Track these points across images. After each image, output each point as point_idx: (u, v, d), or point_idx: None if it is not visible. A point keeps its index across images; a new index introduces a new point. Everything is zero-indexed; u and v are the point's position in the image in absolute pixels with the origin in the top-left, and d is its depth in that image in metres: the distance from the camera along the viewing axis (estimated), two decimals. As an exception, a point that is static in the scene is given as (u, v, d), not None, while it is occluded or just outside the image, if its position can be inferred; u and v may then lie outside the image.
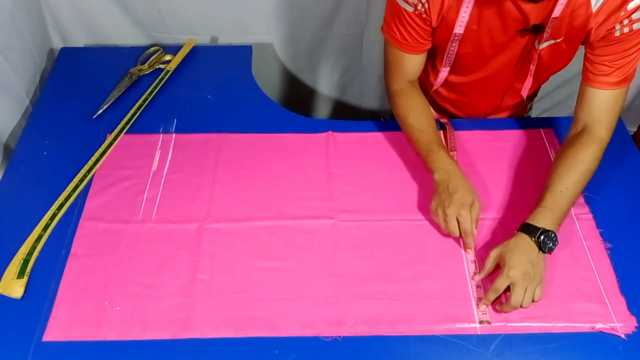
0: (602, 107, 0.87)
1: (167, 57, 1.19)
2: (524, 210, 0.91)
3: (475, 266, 0.85)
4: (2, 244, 0.88)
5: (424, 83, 1.10)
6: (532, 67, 0.92)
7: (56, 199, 0.93)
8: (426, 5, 0.85)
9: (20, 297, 0.81)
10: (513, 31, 0.86)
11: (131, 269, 0.85)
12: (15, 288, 0.81)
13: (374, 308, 0.81)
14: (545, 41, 0.87)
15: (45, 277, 0.84)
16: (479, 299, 0.81)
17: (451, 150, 1.00)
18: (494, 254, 0.82)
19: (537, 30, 0.85)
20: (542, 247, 0.80)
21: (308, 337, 0.78)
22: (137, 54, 1.19)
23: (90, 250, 0.87)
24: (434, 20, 0.87)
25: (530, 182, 0.96)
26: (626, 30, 0.80)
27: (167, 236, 0.89)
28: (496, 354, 0.76)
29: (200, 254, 0.86)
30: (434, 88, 1.06)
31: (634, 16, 0.78)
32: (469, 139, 1.03)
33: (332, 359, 0.77)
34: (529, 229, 0.81)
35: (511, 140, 1.03)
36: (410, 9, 0.86)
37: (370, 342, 0.78)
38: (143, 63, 1.17)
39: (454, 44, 0.91)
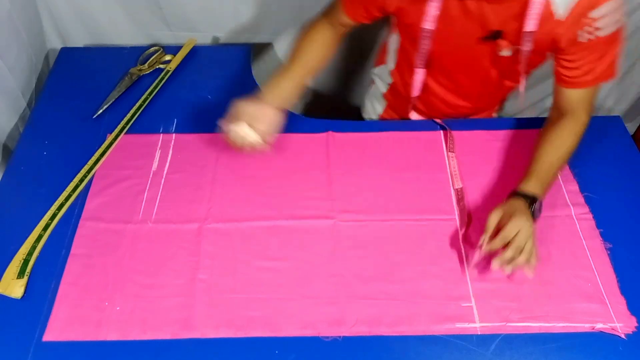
0: (580, 100, 0.90)
1: (167, 57, 1.19)
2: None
3: None
4: (1, 244, 0.87)
5: (401, 92, 1.10)
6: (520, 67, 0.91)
7: (56, 199, 0.93)
8: None
9: (20, 297, 0.81)
10: (476, 37, 0.87)
11: (131, 269, 0.85)
12: (15, 288, 0.81)
13: (374, 308, 0.81)
14: (505, 48, 0.87)
15: (45, 277, 0.84)
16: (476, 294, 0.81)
17: (449, 151, 1.00)
18: (494, 216, 0.81)
19: (497, 37, 0.86)
20: (533, 215, 0.82)
21: (308, 337, 0.78)
22: (137, 54, 1.19)
23: (90, 250, 0.87)
24: (391, 6, 0.88)
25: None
26: (592, 37, 0.81)
27: (167, 236, 0.89)
28: (496, 354, 0.76)
29: (200, 254, 0.86)
30: (414, 94, 1.04)
31: (598, 24, 0.80)
32: (469, 139, 1.03)
33: (332, 359, 0.77)
34: (523, 196, 0.83)
35: (511, 140, 1.03)
36: None
37: (370, 342, 0.78)
38: (143, 63, 1.17)
39: (426, 41, 0.90)
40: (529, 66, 0.91)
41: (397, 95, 1.13)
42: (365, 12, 0.92)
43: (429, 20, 0.87)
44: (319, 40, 0.97)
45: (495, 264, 0.78)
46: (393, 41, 1.06)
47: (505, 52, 0.89)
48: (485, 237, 0.80)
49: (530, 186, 0.84)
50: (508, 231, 0.78)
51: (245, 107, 0.89)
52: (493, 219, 0.81)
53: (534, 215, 0.82)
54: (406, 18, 0.90)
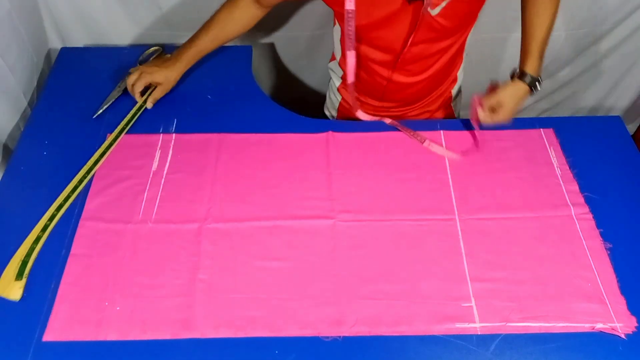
0: None
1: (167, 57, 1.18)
2: (524, 210, 0.92)
3: None
4: (1, 244, 0.87)
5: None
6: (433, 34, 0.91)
7: (56, 199, 0.93)
8: None
9: (19, 299, 0.81)
10: (399, 1, 0.85)
11: (131, 269, 0.85)
12: (13, 290, 0.81)
13: (374, 308, 0.81)
14: (436, 6, 0.85)
15: (45, 277, 0.84)
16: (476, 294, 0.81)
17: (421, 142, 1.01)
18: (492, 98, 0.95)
19: None
20: (533, 90, 0.95)
21: (308, 337, 0.78)
22: (137, 54, 1.18)
23: (90, 250, 0.87)
24: None
25: (530, 182, 0.96)
26: None
27: (167, 236, 0.89)
28: (496, 354, 0.76)
29: (200, 254, 0.86)
30: (349, 80, 1.01)
31: None
32: (469, 139, 1.03)
33: (332, 359, 0.77)
34: (523, 76, 0.94)
35: (511, 140, 1.03)
36: None
37: (370, 342, 0.78)
38: (143, 63, 1.17)
39: (351, 23, 0.90)
40: (463, 25, 0.94)
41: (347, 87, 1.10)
42: None
43: (350, 1, 0.86)
44: (236, 17, 1.01)
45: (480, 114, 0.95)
46: (336, 32, 1.06)
47: (437, 10, 0.86)
48: (483, 114, 0.96)
49: (536, 69, 0.94)
50: (492, 100, 0.94)
51: (151, 65, 1.03)
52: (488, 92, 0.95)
53: (534, 91, 0.95)
54: (330, 1, 0.90)
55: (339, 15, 0.93)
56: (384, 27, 0.91)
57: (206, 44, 1.04)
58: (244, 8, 1.00)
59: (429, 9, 0.85)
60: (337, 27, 1.04)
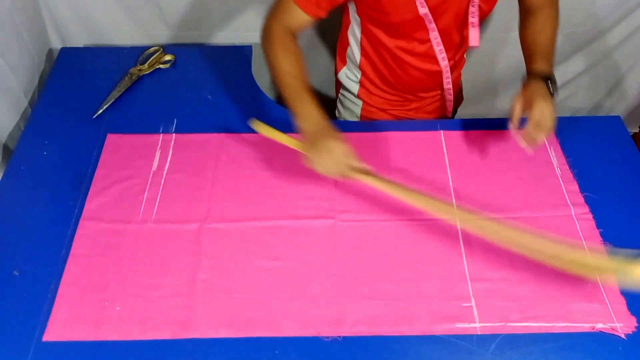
0: None
1: (167, 57, 1.19)
2: (524, 210, 0.92)
3: None
4: (1, 244, 0.88)
5: (377, 81, 1.09)
6: (474, 20, 0.93)
7: (56, 199, 0.93)
8: None
9: None
10: None
11: (131, 269, 0.85)
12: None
13: (374, 308, 0.81)
14: None
15: (45, 277, 0.84)
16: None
17: None
18: (518, 104, 0.88)
19: None
20: (551, 91, 0.89)
21: (308, 337, 0.78)
22: (137, 54, 1.19)
23: (90, 250, 0.87)
24: None
25: (530, 182, 0.96)
26: None
27: (167, 236, 0.89)
28: (496, 354, 0.76)
29: (200, 254, 0.86)
30: (443, 64, 1.03)
31: None
32: (469, 139, 1.03)
33: (332, 359, 0.77)
34: (538, 77, 0.89)
35: (511, 140, 1.03)
36: None
37: (370, 342, 0.78)
38: (143, 63, 1.17)
39: (432, 25, 0.92)
40: (489, 9, 0.95)
41: (373, 86, 1.11)
42: (322, 3, 0.89)
43: (422, 6, 0.88)
44: (291, 51, 0.91)
45: (520, 142, 0.87)
46: (354, 33, 1.04)
47: None
48: (513, 124, 0.88)
49: (540, 66, 0.90)
50: (536, 115, 0.85)
51: (340, 147, 0.84)
52: (517, 107, 0.88)
53: (552, 91, 0.89)
54: (389, 9, 0.89)
55: (384, 13, 0.91)
56: (439, 16, 0.93)
57: (303, 81, 0.90)
58: (291, 38, 0.92)
59: None
60: (356, 28, 1.02)
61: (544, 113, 0.85)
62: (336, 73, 1.16)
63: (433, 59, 1.01)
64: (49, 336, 0.78)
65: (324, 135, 0.83)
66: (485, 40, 1.33)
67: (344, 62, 1.12)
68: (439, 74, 1.05)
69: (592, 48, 1.38)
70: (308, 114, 0.86)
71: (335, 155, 0.82)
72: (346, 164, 0.83)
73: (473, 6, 0.91)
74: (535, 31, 0.95)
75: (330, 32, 1.33)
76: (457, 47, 1.01)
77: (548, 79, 0.89)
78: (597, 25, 1.31)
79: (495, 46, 1.38)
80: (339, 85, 1.19)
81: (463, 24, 0.95)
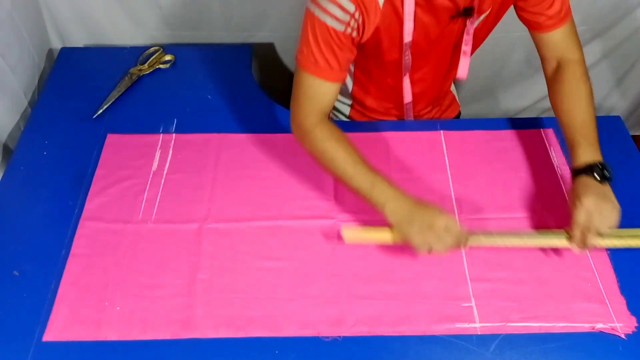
0: (566, 37, 0.89)
1: (167, 57, 1.19)
2: (524, 210, 0.92)
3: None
4: (1, 244, 0.88)
5: (368, 104, 1.07)
6: (466, 48, 0.89)
7: (56, 199, 0.93)
8: (359, 21, 0.78)
9: None
10: (445, 20, 0.84)
11: (131, 269, 0.85)
12: None
13: (374, 308, 0.81)
14: (476, 20, 0.86)
15: (45, 277, 0.84)
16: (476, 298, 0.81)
17: None
18: (581, 215, 0.78)
19: (467, 13, 0.83)
20: (601, 179, 0.80)
21: (308, 337, 0.78)
22: (137, 54, 1.19)
23: (90, 250, 0.87)
24: (366, 35, 0.81)
25: (530, 182, 0.96)
26: None
27: (167, 236, 0.89)
28: (496, 354, 0.76)
29: (200, 254, 0.86)
30: (406, 101, 1.01)
31: None
32: (469, 139, 1.03)
33: (332, 359, 0.77)
34: (580, 171, 0.81)
35: (511, 140, 1.03)
36: (340, 28, 0.77)
37: (370, 342, 0.78)
38: (143, 63, 1.17)
39: (407, 52, 0.87)
40: (481, 39, 0.93)
41: (364, 109, 1.10)
42: (347, 63, 0.83)
43: (408, 34, 0.83)
44: (337, 136, 0.85)
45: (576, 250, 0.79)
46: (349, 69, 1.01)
47: (477, 23, 0.87)
48: (575, 240, 0.79)
49: (585, 153, 0.82)
50: (580, 218, 0.77)
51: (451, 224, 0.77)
52: (581, 218, 0.78)
53: (609, 179, 0.80)
54: (382, 40, 0.85)
55: (377, 49, 0.88)
56: (428, 47, 0.90)
57: (366, 163, 0.84)
58: (329, 124, 0.87)
59: (468, 24, 0.86)
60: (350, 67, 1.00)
61: (590, 214, 0.76)
62: None
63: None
64: (49, 336, 0.78)
65: (417, 213, 0.77)
66: (486, 40, 1.33)
67: None
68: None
69: (593, 48, 1.38)
70: (389, 197, 0.79)
71: (437, 229, 0.75)
72: (453, 234, 0.76)
73: (468, 34, 0.87)
74: (570, 106, 0.87)
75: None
76: (443, 77, 1.00)
77: (598, 166, 0.80)
78: (597, 24, 1.31)
79: (496, 45, 1.38)
80: None
81: (453, 53, 0.93)
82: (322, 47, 0.79)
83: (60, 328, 0.79)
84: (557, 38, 0.89)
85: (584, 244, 0.78)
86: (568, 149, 0.86)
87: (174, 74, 1.16)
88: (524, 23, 0.90)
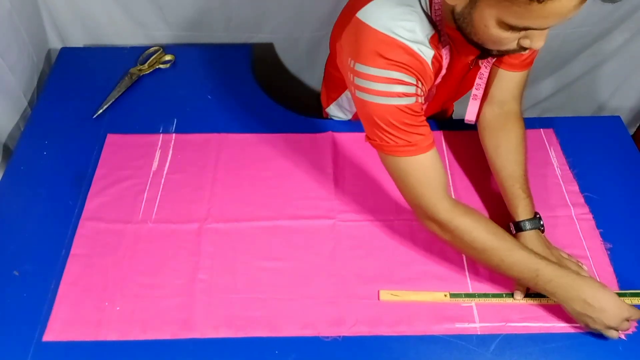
0: (519, 85, 0.90)
1: (167, 57, 1.19)
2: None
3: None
4: (1, 244, 0.88)
5: None
6: (478, 92, 0.89)
7: (56, 199, 0.93)
8: (422, 88, 0.75)
9: None
10: (467, 62, 0.84)
11: (131, 269, 0.85)
12: None
13: (373, 308, 0.81)
14: (491, 63, 0.87)
15: (45, 277, 0.84)
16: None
17: None
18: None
19: (482, 56, 0.80)
20: (543, 231, 0.84)
21: (308, 337, 0.78)
22: (137, 54, 1.19)
23: (90, 250, 0.87)
24: (425, 96, 0.78)
25: (530, 182, 0.95)
26: None
27: (167, 236, 0.89)
28: (496, 354, 0.76)
29: (200, 254, 0.86)
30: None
31: None
32: (469, 138, 1.03)
33: (332, 359, 0.77)
34: (524, 225, 0.83)
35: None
36: (412, 101, 0.72)
37: (370, 342, 0.78)
38: (143, 63, 1.17)
39: (433, 88, 0.85)
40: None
41: None
42: (425, 122, 0.77)
43: (440, 76, 0.81)
44: (482, 221, 0.78)
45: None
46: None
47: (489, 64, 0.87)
48: (520, 295, 0.81)
49: (529, 208, 0.84)
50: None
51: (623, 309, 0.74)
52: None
53: (542, 228, 0.85)
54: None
55: None
56: (449, 87, 0.90)
57: (519, 244, 0.79)
58: (461, 206, 0.79)
59: (483, 64, 0.86)
60: None
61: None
62: (323, 105, 1.10)
63: None
64: (49, 336, 0.78)
65: (586, 293, 0.73)
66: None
67: (333, 99, 1.06)
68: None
69: (594, 50, 1.38)
70: (555, 284, 0.74)
71: (610, 311, 0.72)
72: (624, 312, 0.73)
73: (481, 78, 0.87)
74: (519, 158, 0.88)
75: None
76: (452, 98, 1.01)
77: (538, 219, 0.84)
78: (599, 25, 1.31)
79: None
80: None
81: (456, 94, 0.92)
82: (403, 128, 0.72)
83: (60, 328, 0.78)
84: (513, 79, 0.89)
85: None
86: (509, 197, 0.86)
87: (174, 74, 1.16)
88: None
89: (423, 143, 0.74)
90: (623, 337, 0.77)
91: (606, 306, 0.72)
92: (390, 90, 0.70)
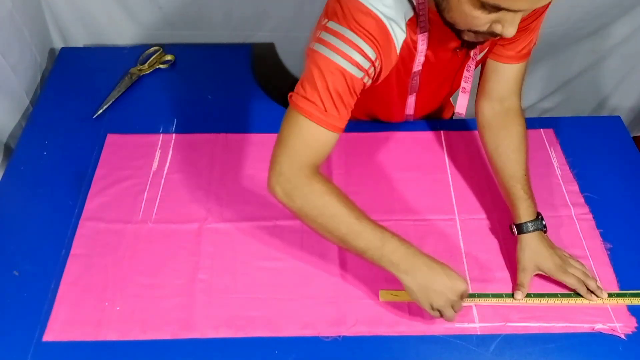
0: (517, 78, 0.89)
1: (167, 57, 1.19)
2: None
3: None
4: (1, 244, 0.88)
5: (391, 114, 1.04)
6: (466, 85, 0.88)
7: (56, 199, 0.93)
8: (378, 69, 0.73)
9: None
10: (450, 53, 0.83)
11: (131, 269, 0.85)
12: None
13: (374, 308, 0.81)
14: (479, 55, 0.86)
15: (45, 277, 0.84)
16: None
17: None
18: (527, 268, 0.81)
19: (470, 46, 0.80)
20: (545, 232, 0.84)
21: (308, 337, 0.78)
22: (137, 54, 1.19)
23: (90, 250, 0.87)
24: (379, 81, 0.77)
25: (530, 181, 0.96)
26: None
27: (167, 236, 0.89)
28: (496, 354, 0.76)
29: (200, 254, 0.86)
30: (408, 113, 1.01)
31: None
32: (469, 139, 1.03)
33: (332, 359, 0.77)
34: (527, 227, 0.82)
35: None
36: (358, 75, 0.71)
37: (370, 342, 0.78)
38: (143, 63, 1.17)
39: (416, 78, 0.86)
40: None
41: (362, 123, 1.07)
42: (350, 111, 0.75)
43: (418, 64, 0.82)
44: (336, 191, 0.76)
45: None
46: None
47: (481, 54, 0.87)
48: (523, 295, 0.81)
49: (525, 214, 0.83)
50: (567, 280, 0.81)
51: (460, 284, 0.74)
52: (527, 276, 0.82)
53: (545, 229, 0.84)
54: (391, 74, 0.81)
55: (387, 82, 0.84)
56: (439, 74, 0.89)
57: (369, 218, 0.76)
58: (323, 177, 0.77)
59: (472, 53, 0.85)
60: None
61: (577, 277, 0.81)
62: None
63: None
64: (49, 336, 0.78)
65: (431, 280, 0.73)
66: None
67: None
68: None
69: (594, 48, 1.38)
70: (401, 256, 0.73)
71: (450, 299, 0.73)
72: (452, 296, 0.73)
73: (468, 70, 0.86)
74: (519, 157, 0.87)
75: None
76: (447, 93, 1.00)
77: (539, 223, 0.83)
78: (596, 21, 1.30)
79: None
80: None
81: (457, 73, 0.91)
82: (332, 94, 0.71)
83: (60, 328, 0.78)
84: (513, 74, 0.88)
85: (590, 291, 0.81)
86: (511, 198, 0.85)
87: (174, 74, 1.16)
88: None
89: (334, 121, 0.72)
90: (623, 337, 0.77)
91: (435, 286, 0.72)
92: (349, 54, 0.70)
